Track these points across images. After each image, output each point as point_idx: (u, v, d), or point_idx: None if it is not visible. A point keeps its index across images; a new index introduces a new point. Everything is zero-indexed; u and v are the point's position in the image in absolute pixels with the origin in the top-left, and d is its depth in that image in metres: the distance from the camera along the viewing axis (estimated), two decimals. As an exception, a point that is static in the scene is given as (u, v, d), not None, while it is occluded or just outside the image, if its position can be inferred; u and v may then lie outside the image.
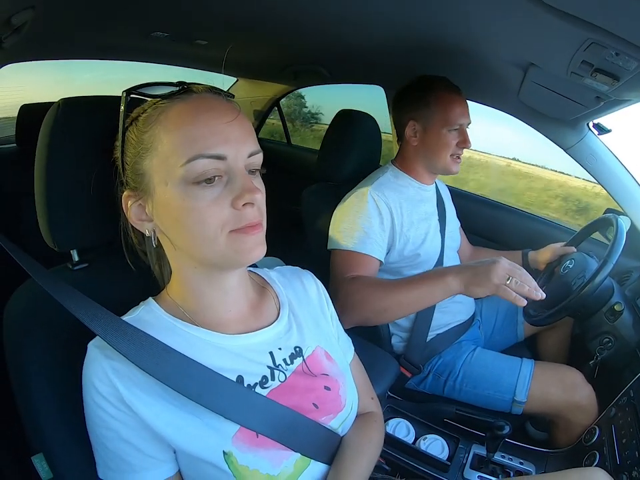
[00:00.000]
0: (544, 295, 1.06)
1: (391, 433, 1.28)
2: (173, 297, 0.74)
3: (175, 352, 0.66)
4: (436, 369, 1.47)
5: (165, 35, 1.47)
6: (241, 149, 0.64)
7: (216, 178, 0.63)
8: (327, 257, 1.38)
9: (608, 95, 1.08)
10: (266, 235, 0.69)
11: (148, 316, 0.71)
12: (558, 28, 0.83)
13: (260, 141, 0.69)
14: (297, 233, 1.63)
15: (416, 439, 1.29)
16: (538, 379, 1.36)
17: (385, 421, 1.26)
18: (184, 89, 0.66)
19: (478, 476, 1.17)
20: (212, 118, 0.63)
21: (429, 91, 1.41)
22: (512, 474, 1.19)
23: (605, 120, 1.55)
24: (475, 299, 1.66)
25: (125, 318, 0.69)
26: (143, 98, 0.67)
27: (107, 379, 0.63)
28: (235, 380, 0.69)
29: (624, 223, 1.35)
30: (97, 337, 0.65)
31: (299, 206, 1.61)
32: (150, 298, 0.74)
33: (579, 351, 1.54)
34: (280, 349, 0.77)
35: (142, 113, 0.66)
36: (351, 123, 1.60)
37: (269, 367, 0.74)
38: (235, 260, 0.67)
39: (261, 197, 0.66)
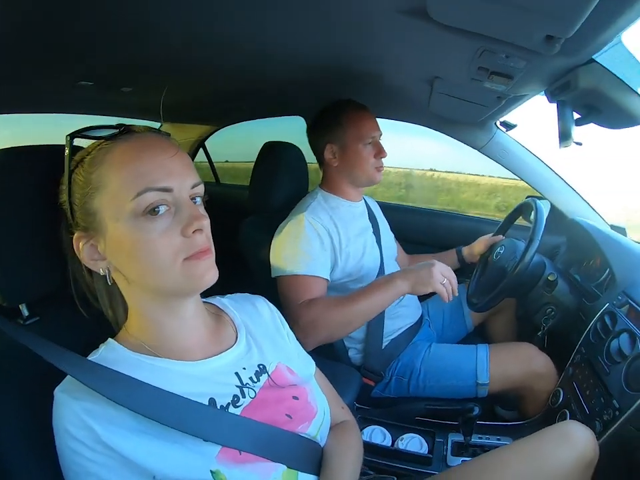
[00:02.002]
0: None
1: (367, 440, 1.30)
2: (133, 333, 0.75)
3: (145, 385, 0.66)
4: (397, 372, 1.52)
5: (90, 84, 1.46)
6: (184, 181, 0.68)
7: (164, 209, 0.65)
8: (274, 285, 1.41)
9: (507, 93, 1.19)
10: None
11: (111, 355, 0.71)
12: (452, 41, 0.90)
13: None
14: (239, 269, 1.62)
15: (393, 442, 1.32)
16: (495, 359, 1.44)
17: (360, 431, 1.28)
18: (126, 130, 0.69)
19: (461, 460, 1.21)
20: (155, 154, 0.67)
21: (338, 112, 1.50)
22: (493, 450, 1.24)
23: (510, 117, 1.70)
24: (419, 297, 1.72)
25: (89, 359, 0.69)
26: (79, 146, 0.70)
27: (80, 422, 0.62)
28: (207, 403, 0.70)
29: (543, 205, 1.49)
30: (63, 381, 0.65)
31: (236, 243, 1.63)
32: (109, 339, 0.74)
33: (526, 327, 1.66)
34: (244, 368, 0.79)
35: (87, 155, 0.68)
36: (276, 153, 1.66)
37: (237, 386, 0.76)
38: (190, 286, 0.70)
39: (207, 224, 0.70)
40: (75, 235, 0.70)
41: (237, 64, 1.35)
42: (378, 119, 1.57)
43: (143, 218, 0.64)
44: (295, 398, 0.81)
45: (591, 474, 0.92)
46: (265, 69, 1.41)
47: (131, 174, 0.65)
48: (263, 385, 0.78)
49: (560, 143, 1.06)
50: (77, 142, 0.70)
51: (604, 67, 0.86)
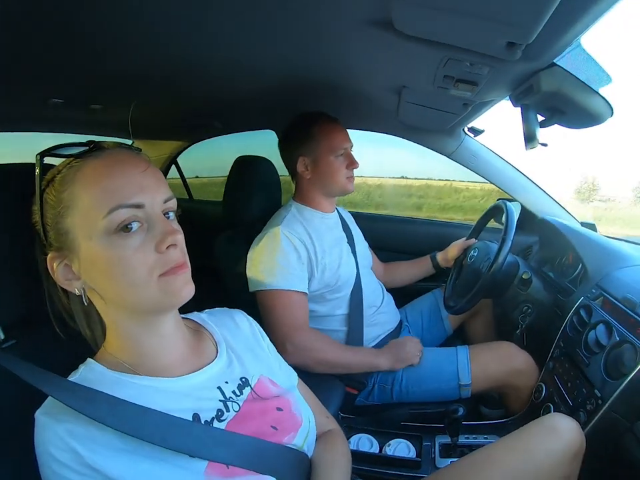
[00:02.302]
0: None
1: (355, 449, 1.31)
2: (113, 352, 0.73)
3: (128, 403, 0.65)
4: (379, 379, 1.52)
5: (60, 102, 1.45)
6: (156, 196, 0.67)
7: (137, 226, 0.65)
8: (252, 300, 1.41)
9: (473, 100, 1.23)
10: None
11: (91, 375, 0.69)
12: (418, 52, 0.93)
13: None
14: (215, 285, 1.59)
15: (381, 448, 1.32)
16: (476, 360, 1.47)
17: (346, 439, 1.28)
18: (96, 146, 0.68)
19: (450, 461, 1.23)
20: (126, 169, 0.66)
21: (310, 125, 1.52)
22: (480, 448, 1.26)
23: (476, 123, 1.75)
24: (396, 302, 1.80)
25: (69, 379, 0.68)
26: (50, 164, 0.69)
27: (64, 444, 0.61)
28: (191, 419, 0.70)
29: (513, 207, 1.53)
30: (44, 404, 0.64)
31: (210, 259, 1.62)
32: (89, 359, 0.73)
33: (505, 326, 1.69)
34: (227, 382, 0.78)
35: (57, 174, 0.67)
36: (249, 168, 1.66)
37: (220, 400, 0.75)
38: (168, 302, 0.69)
39: (181, 238, 0.69)
40: (49, 255, 0.68)
41: (206, 79, 1.36)
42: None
43: (116, 235, 0.64)
44: (279, 409, 0.81)
45: (579, 464, 0.94)
46: (235, 83, 1.42)
47: (102, 191, 0.64)
48: (247, 398, 0.78)
49: (526, 145, 1.10)
50: (47, 160, 0.69)
51: (565, 70, 0.90)
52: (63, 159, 0.69)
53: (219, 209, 1.69)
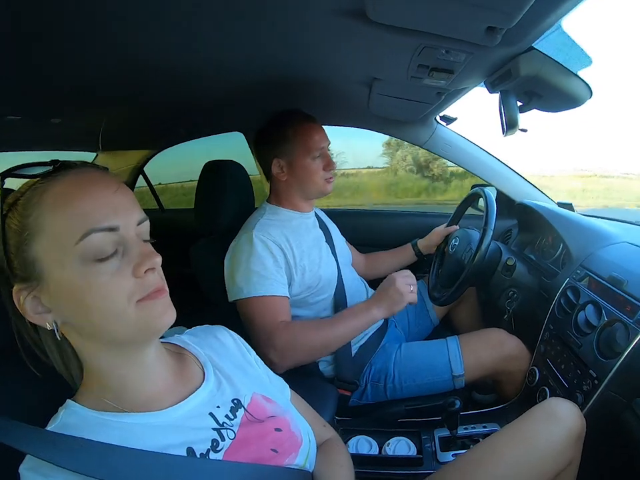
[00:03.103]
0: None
1: (354, 452, 1.28)
2: (93, 389, 0.68)
3: (117, 448, 0.61)
4: (371, 378, 1.50)
5: (17, 118, 1.38)
6: (130, 218, 0.63)
7: (112, 250, 0.60)
8: (232, 308, 1.38)
9: (447, 88, 1.21)
10: None
11: (72, 419, 0.64)
12: (391, 41, 0.90)
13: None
14: (193, 294, 1.56)
15: (380, 449, 1.30)
16: (467, 349, 1.46)
17: (344, 443, 1.26)
18: (62, 166, 0.63)
19: (452, 454, 1.22)
20: (98, 190, 0.62)
21: (285, 126, 1.47)
22: (482, 440, 1.24)
23: (449, 111, 1.73)
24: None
25: (48, 428, 0.62)
26: (8, 188, 0.63)
27: None
28: (185, 454, 0.66)
29: (491, 192, 1.53)
30: (26, 457, 0.59)
31: (188, 267, 1.57)
32: (68, 400, 0.67)
33: (492, 312, 1.70)
34: (218, 406, 0.74)
35: (20, 197, 0.61)
36: (219, 172, 1.61)
37: (214, 428, 0.71)
38: (149, 329, 0.64)
39: (159, 261, 0.65)
40: (14, 287, 0.62)
41: (171, 83, 1.30)
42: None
43: (91, 262, 0.59)
44: (278, 430, 0.77)
45: (581, 446, 0.95)
46: (198, 86, 1.38)
47: (73, 214, 0.59)
48: (241, 422, 0.74)
49: (505, 131, 1.09)
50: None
51: (544, 54, 0.89)
52: (25, 181, 0.63)
53: (191, 216, 1.63)
